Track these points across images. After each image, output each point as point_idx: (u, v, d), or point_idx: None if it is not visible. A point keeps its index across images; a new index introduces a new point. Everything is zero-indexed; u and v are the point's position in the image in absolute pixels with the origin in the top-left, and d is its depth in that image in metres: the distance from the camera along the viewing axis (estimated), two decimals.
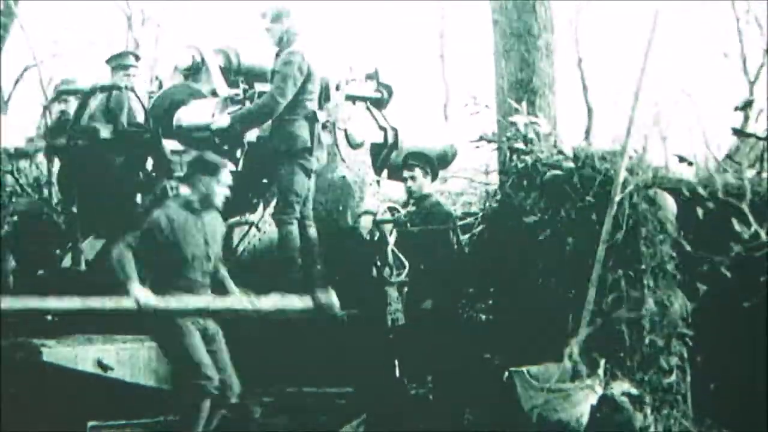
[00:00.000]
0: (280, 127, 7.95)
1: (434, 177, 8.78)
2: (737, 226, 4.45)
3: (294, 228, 7.89)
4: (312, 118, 7.99)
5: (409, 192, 8.78)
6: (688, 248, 6.90)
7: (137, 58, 9.91)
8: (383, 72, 9.77)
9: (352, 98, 9.34)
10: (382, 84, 9.74)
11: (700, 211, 6.94)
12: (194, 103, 8.38)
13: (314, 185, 8.23)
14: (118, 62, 9.42)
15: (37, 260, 8.95)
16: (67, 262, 8.47)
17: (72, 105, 9.02)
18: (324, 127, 8.23)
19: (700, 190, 7.06)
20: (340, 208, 8.93)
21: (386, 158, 9.55)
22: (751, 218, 4.47)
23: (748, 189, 5.23)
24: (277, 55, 8.13)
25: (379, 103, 9.69)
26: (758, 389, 6.92)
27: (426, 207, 8.60)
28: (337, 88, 9.09)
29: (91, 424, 6.93)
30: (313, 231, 8.20)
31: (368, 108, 9.59)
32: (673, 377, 6.97)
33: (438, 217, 8.48)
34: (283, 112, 7.93)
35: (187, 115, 8.33)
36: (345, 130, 9.04)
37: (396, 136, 9.62)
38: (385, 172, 9.62)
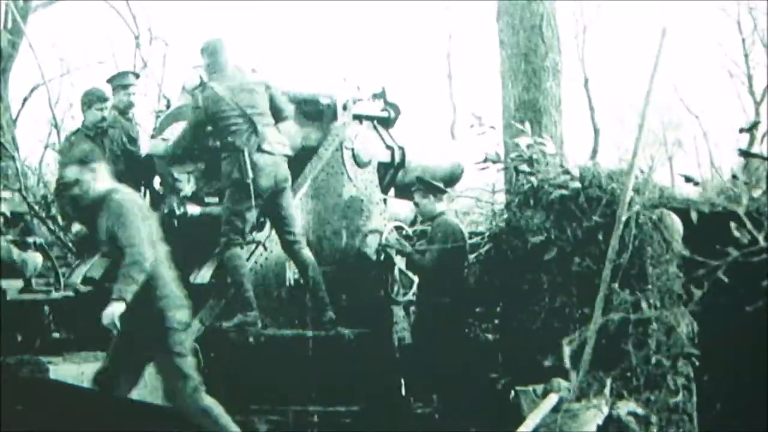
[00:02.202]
0: (221, 165, 8.01)
1: (437, 195, 8.73)
2: (735, 231, 4.45)
3: (233, 252, 7.82)
4: (238, 152, 7.85)
5: (418, 210, 8.82)
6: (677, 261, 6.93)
7: (137, 76, 10.01)
8: (390, 91, 9.81)
9: (360, 117, 9.37)
10: (389, 103, 9.77)
11: (694, 215, 6.94)
12: None
13: (290, 207, 8.15)
14: (118, 82, 9.52)
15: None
16: (74, 281, 8.49)
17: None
18: (261, 149, 7.98)
19: (687, 203, 7.09)
20: (347, 227, 8.95)
21: (393, 177, 9.57)
22: (748, 223, 4.46)
23: (745, 195, 5.25)
24: None
25: (386, 123, 9.72)
26: (764, 409, 6.91)
27: (434, 226, 8.60)
28: (345, 107, 9.12)
29: None
30: (304, 253, 8.11)
31: (375, 127, 9.62)
32: (679, 397, 6.97)
33: (445, 236, 8.46)
34: (218, 151, 7.98)
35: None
36: (352, 150, 9.06)
37: (403, 155, 9.64)
38: (392, 191, 9.64)
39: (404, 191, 9.55)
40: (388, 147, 9.60)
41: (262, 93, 8.09)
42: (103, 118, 8.98)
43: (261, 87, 8.11)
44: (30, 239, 7.76)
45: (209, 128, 8.02)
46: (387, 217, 9.22)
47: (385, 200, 9.33)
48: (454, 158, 10.37)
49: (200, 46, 8.17)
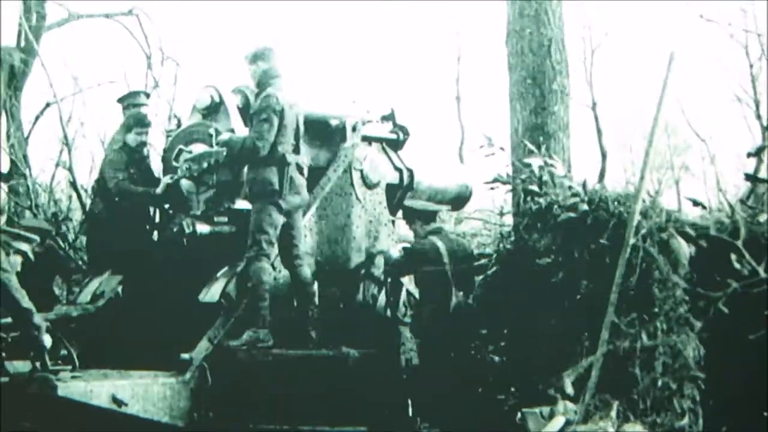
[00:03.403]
0: (253, 171, 8.03)
1: (422, 219, 8.67)
2: (735, 263, 4.47)
3: (262, 264, 7.88)
4: (282, 162, 7.96)
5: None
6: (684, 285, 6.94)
7: (148, 96, 10.12)
8: (399, 113, 9.86)
9: (369, 139, 9.41)
10: (398, 125, 9.82)
11: (692, 249, 6.98)
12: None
13: (300, 224, 8.25)
14: (129, 101, 9.62)
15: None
16: (84, 297, 8.53)
17: None
18: (299, 168, 8.15)
19: (688, 230, 7.10)
20: (355, 248, 8.98)
21: (401, 199, 9.60)
22: (747, 255, 4.49)
23: (743, 227, 5.27)
24: (257, 96, 8.20)
25: (395, 144, 9.76)
26: None
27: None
28: (354, 129, 9.17)
29: None
30: (305, 270, 8.19)
31: (384, 149, 9.66)
32: (685, 420, 6.95)
33: (420, 254, 8.42)
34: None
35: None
36: (361, 171, 9.10)
37: (411, 177, 9.69)
38: (400, 212, 9.67)
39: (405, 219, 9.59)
40: (397, 169, 9.65)
41: (300, 111, 8.22)
42: (143, 143, 9.11)
43: (299, 105, 8.23)
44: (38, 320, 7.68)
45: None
46: (395, 239, 9.26)
47: (393, 221, 9.36)
48: (462, 180, 10.41)
49: (251, 52, 8.20)
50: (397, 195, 9.61)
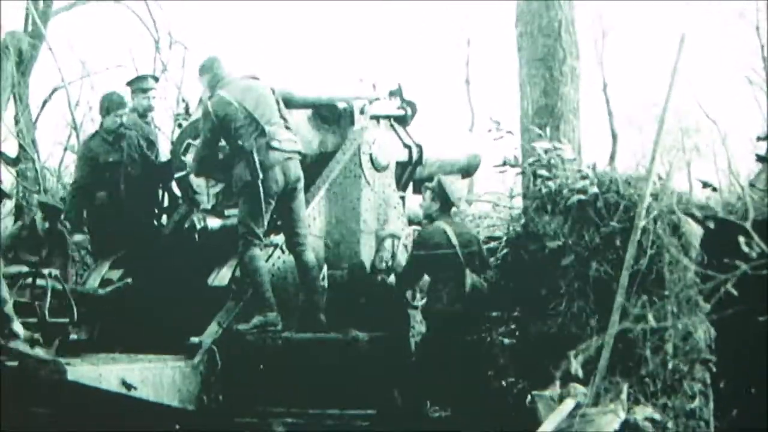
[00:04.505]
0: (232, 170, 8.03)
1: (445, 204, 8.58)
2: (744, 246, 4.42)
3: (252, 253, 7.84)
4: (243, 154, 7.87)
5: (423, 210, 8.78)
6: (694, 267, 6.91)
7: (156, 80, 10.09)
8: (408, 94, 9.84)
9: (376, 117, 9.39)
10: (406, 101, 9.80)
11: (701, 231, 6.95)
12: None
13: (299, 206, 8.16)
14: (138, 85, 9.60)
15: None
16: (93, 282, 8.55)
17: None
18: (269, 147, 7.92)
19: (698, 212, 7.07)
20: (364, 231, 8.97)
21: (411, 175, 9.60)
22: (756, 237, 4.44)
23: (752, 209, 5.22)
24: None
25: (403, 120, 9.74)
26: None
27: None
28: (362, 111, 9.15)
29: None
30: (307, 254, 8.13)
31: (392, 125, 9.63)
32: (696, 402, 6.95)
33: (421, 241, 8.39)
34: (228, 156, 8.01)
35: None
36: (370, 155, 9.08)
37: (420, 153, 9.67)
38: (410, 188, 9.68)
39: (422, 187, 9.57)
40: (406, 146, 9.64)
41: (269, 95, 8.14)
42: (122, 124, 9.04)
43: (267, 90, 8.16)
44: (46, 270, 7.74)
45: (221, 134, 8.01)
46: (404, 220, 9.24)
47: (402, 198, 9.35)
48: (471, 150, 10.41)
49: (197, 69, 8.24)
50: (407, 171, 9.60)
